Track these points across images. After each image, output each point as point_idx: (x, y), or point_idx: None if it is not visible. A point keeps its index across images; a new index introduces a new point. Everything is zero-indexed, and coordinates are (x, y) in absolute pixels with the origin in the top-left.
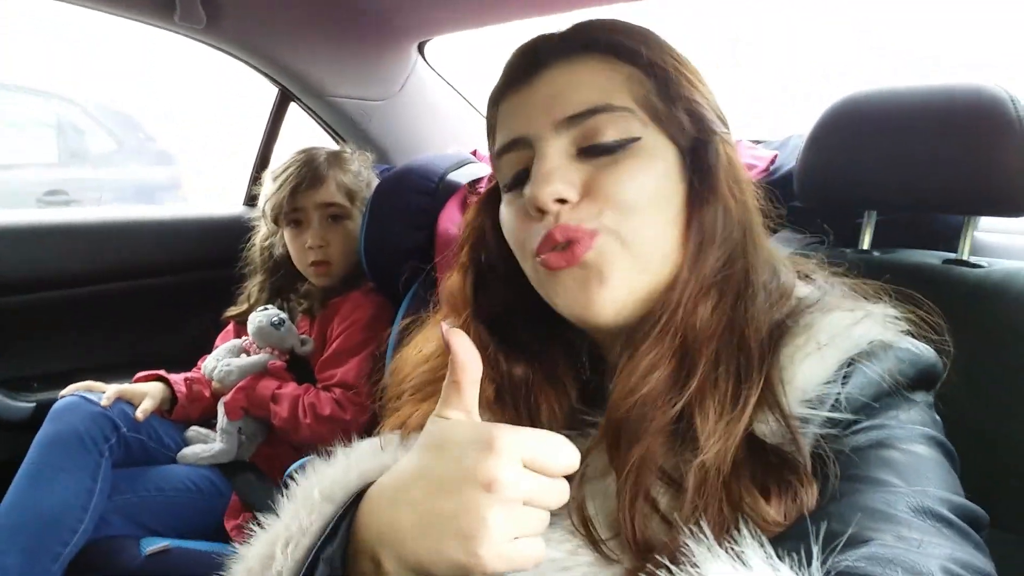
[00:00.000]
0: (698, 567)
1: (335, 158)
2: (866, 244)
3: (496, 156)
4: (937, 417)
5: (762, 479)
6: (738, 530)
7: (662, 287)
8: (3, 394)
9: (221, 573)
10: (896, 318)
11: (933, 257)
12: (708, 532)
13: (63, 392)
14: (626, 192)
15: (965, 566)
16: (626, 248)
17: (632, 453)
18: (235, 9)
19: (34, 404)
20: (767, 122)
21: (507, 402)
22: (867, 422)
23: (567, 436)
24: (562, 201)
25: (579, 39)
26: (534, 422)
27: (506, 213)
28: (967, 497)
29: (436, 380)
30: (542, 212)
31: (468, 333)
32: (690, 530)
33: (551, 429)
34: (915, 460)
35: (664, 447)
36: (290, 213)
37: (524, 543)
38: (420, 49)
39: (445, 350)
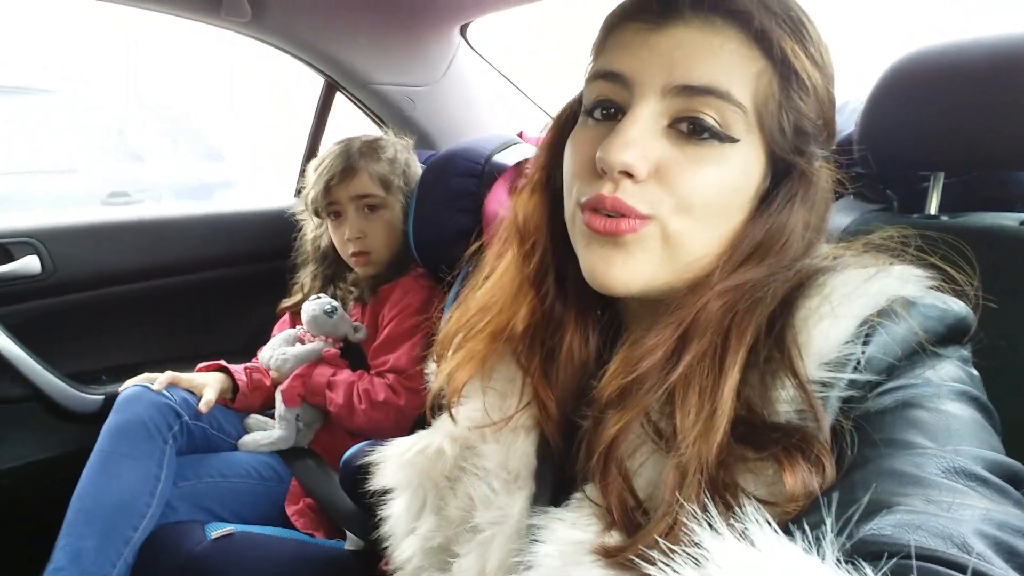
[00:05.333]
0: (700, 546)
1: (369, 148)
2: (933, 208)
3: (592, 75)
4: (973, 372)
5: (774, 456)
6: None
7: (684, 284)
8: (74, 387)
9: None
10: (919, 274)
11: (1007, 219)
12: (712, 510)
13: (126, 384)
14: (695, 195)
15: (1001, 526)
16: (667, 245)
17: (610, 424)
18: (279, 1)
19: (103, 396)
20: None
21: (533, 341)
22: (891, 383)
23: (578, 406)
24: (629, 175)
25: (729, 2)
26: (550, 368)
27: (573, 144)
28: (1019, 456)
29: (484, 321)
30: (604, 172)
31: (532, 257)
32: (691, 510)
33: (565, 374)
34: (945, 419)
35: (652, 427)
36: (327, 206)
37: None
38: (463, 32)
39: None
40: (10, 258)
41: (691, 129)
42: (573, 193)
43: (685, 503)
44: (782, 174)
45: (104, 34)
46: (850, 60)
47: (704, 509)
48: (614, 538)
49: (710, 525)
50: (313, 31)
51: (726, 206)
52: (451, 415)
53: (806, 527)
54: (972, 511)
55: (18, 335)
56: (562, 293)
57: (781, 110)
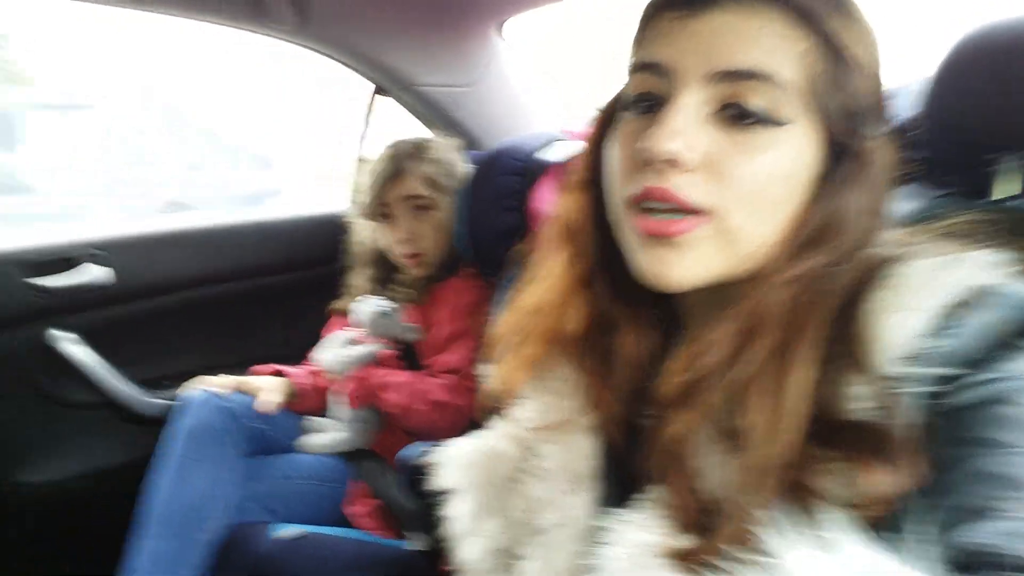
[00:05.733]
0: (772, 556)
1: (415, 149)
2: (1002, 194)
3: (632, 68)
4: None
5: (849, 457)
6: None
7: (744, 274)
8: (144, 392)
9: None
10: (999, 261)
11: None
12: (783, 517)
13: (189, 388)
14: (752, 184)
15: None
16: (723, 240)
17: (676, 423)
18: (323, 7)
19: (169, 401)
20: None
21: (588, 344)
22: (974, 377)
23: (639, 407)
24: (672, 163)
25: None
26: (608, 371)
27: (615, 139)
28: None
29: (537, 323)
30: (648, 164)
31: (582, 258)
32: (761, 517)
33: (623, 375)
34: None
35: (720, 427)
36: (378, 209)
37: None
38: (499, 30)
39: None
40: (74, 267)
41: (738, 115)
42: (618, 190)
43: (754, 506)
44: (838, 156)
45: (143, 45)
46: (914, 39)
47: (776, 512)
48: (683, 540)
49: (781, 530)
50: (356, 36)
51: (783, 193)
52: (507, 418)
53: (895, 533)
54: None
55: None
56: (614, 292)
57: (832, 89)
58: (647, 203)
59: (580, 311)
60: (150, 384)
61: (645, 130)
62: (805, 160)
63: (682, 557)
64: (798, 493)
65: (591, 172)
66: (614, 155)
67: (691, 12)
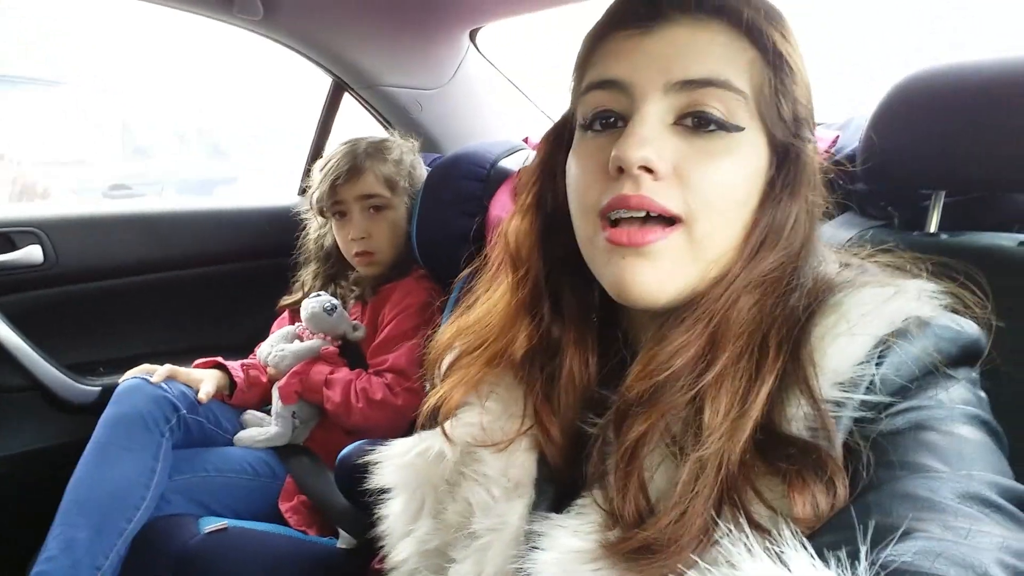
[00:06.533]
0: (735, 566)
1: (375, 148)
2: (933, 227)
3: (583, 91)
4: (982, 394)
5: (786, 473)
6: (734, 527)
7: (710, 280)
8: (73, 378)
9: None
10: (934, 293)
11: (1005, 239)
12: (748, 530)
13: (125, 376)
14: (716, 189)
15: (1019, 555)
16: (693, 246)
17: (633, 429)
18: (291, 0)
19: (100, 388)
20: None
21: (532, 364)
22: (904, 404)
23: (583, 414)
24: (647, 170)
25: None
26: (551, 390)
27: (577, 158)
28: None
29: (479, 344)
30: (622, 172)
31: (526, 283)
32: (728, 529)
33: (567, 396)
34: (958, 442)
35: (671, 432)
36: (333, 206)
37: None
38: (472, 37)
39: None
40: (13, 247)
41: (697, 123)
42: (588, 203)
43: (695, 504)
44: (782, 159)
45: (114, 28)
46: (856, 78)
47: (717, 507)
48: (618, 535)
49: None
50: (323, 31)
51: (741, 198)
52: (445, 433)
53: (822, 547)
54: (989, 539)
55: (18, 324)
56: (558, 317)
57: (776, 95)
58: (618, 212)
59: (525, 334)
60: (86, 370)
61: (609, 145)
62: (760, 163)
63: (617, 545)
64: (738, 492)
65: (537, 197)
66: (577, 172)
67: (642, 30)
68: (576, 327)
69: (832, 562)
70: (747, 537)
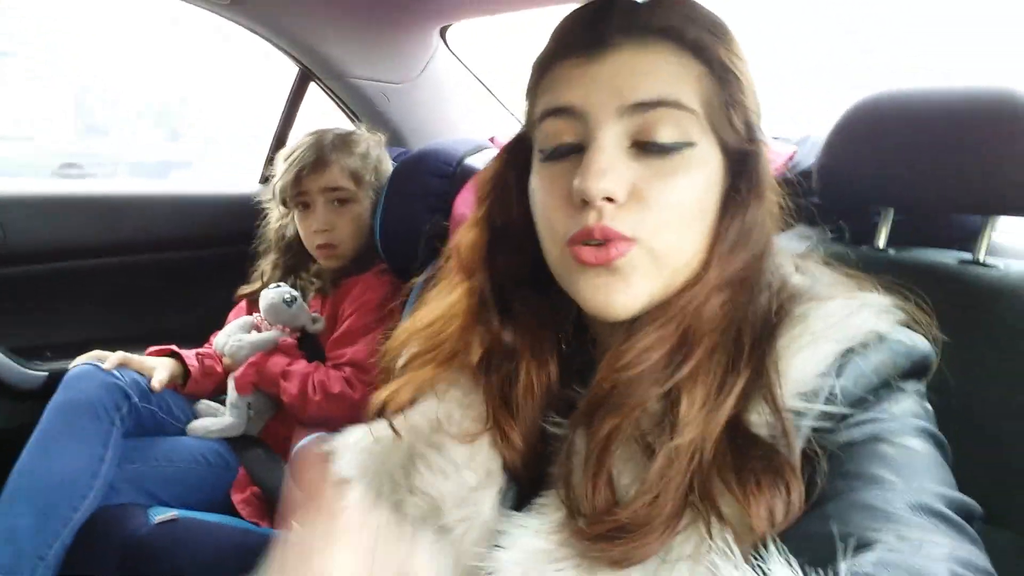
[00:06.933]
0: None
1: (341, 141)
2: (881, 242)
3: (538, 119)
4: (928, 406)
5: (747, 474)
6: (707, 525)
7: (679, 287)
8: (18, 362)
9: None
10: (890, 308)
11: (949, 257)
12: (734, 546)
13: (75, 361)
14: (672, 206)
15: (966, 564)
16: (655, 260)
17: (604, 425)
18: None
19: (47, 373)
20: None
21: (489, 369)
22: (861, 416)
23: (551, 418)
24: (609, 199)
25: (656, 22)
26: (510, 394)
27: (540, 186)
28: (966, 491)
29: (432, 348)
30: (586, 203)
31: (474, 295)
32: (717, 545)
33: (525, 403)
34: (909, 455)
35: (642, 426)
36: (296, 196)
37: None
38: (442, 34)
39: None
40: None
41: (652, 147)
42: (556, 231)
43: (662, 499)
44: (740, 165)
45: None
46: (813, 97)
47: (686, 496)
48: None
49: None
50: (291, 18)
51: (698, 211)
52: (393, 428)
53: (784, 556)
54: (940, 549)
55: None
56: (509, 326)
57: (726, 108)
58: (588, 241)
59: (478, 340)
60: (32, 354)
61: (570, 171)
62: (715, 175)
63: (585, 533)
64: (705, 488)
65: (488, 212)
66: (541, 200)
67: (590, 58)
68: (531, 337)
69: (789, 567)
70: (712, 527)
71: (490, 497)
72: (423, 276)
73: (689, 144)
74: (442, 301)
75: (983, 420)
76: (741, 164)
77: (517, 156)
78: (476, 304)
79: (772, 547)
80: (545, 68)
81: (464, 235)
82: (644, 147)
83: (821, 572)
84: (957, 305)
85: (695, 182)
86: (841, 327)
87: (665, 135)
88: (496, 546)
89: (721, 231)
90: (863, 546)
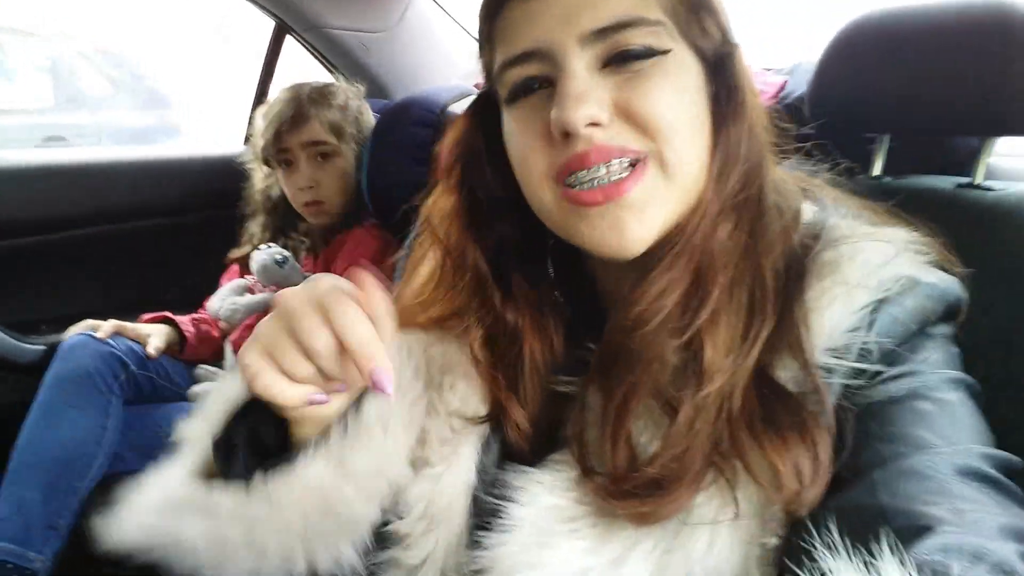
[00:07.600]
0: (831, 572)
1: (319, 94)
2: (877, 170)
3: (499, 70)
4: (955, 349)
5: (777, 427)
6: (729, 480)
7: (688, 210)
8: (13, 336)
9: None
10: (921, 247)
11: (946, 182)
12: (837, 535)
13: (68, 332)
14: (663, 112)
15: (1020, 536)
16: (668, 176)
17: (621, 382)
18: None
19: (44, 347)
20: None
21: (496, 346)
22: (896, 369)
23: (560, 378)
24: (594, 124)
25: None
26: (515, 379)
27: (514, 129)
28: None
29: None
30: (569, 135)
31: (464, 273)
32: (821, 529)
33: (532, 382)
34: (949, 410)
35: (660, 380)
36: (278, 154)
37: (282, 380)
38: None
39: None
40: None
41: (624, 55)
42: (539, 170)
43: (690, 453)
44: (718, 71)
45: None
46: (803, 22)
47: (714, 450)
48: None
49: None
50: None
51: (692, 111)
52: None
53: (842, 532)
54: (995, 519)
55: None
56: (510, 301)
57: (695, 12)
58: (576, 176)
59: (476, 323)
60: (28, 328)
61: (543, 107)
62: (695, 82)
63: (608, 489)
64: (736, 442)
65: (460, 172)
66: (517, 144)
67: None
68: (532, 312)
69: (855, 557)
70: (737, 487)
71: (473, 441)
72: (410, 236)
73: (663, 51)
74: (427, 280)
75: (984, 347)
76: (720, 70)
77: (484, 118)
78: (470, 285)
79: (883, 543)
80: (494, 14)
81: (437, 202)
82: (616, 60)
83: (875, 545)
84: (955, 229)
85: (678, 87)
86: (876, 275)
87: (635, 50)
88: (511, 500)
89: (715, 146)
90: (919, 524)
